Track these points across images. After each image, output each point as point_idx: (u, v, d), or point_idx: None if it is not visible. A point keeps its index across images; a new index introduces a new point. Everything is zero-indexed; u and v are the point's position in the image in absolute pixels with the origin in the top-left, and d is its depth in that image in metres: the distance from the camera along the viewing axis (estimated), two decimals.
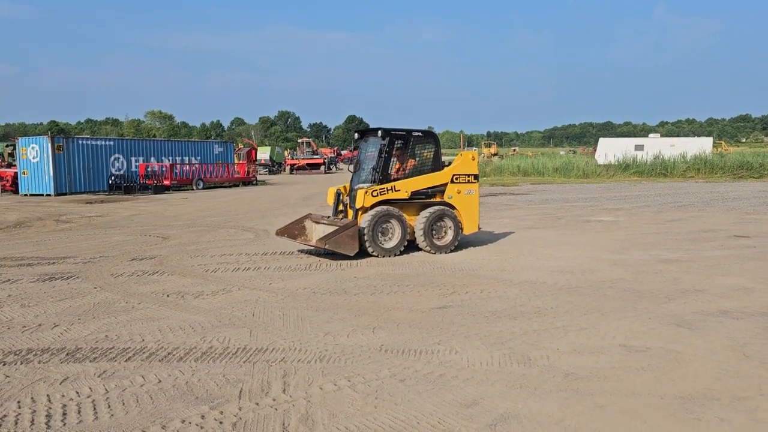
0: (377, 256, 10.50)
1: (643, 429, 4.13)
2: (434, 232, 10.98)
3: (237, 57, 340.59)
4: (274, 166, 52.89)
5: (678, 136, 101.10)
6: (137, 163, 31.35)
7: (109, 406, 4.54)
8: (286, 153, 60.14)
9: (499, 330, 6.34)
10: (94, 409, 4.51)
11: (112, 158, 30.53)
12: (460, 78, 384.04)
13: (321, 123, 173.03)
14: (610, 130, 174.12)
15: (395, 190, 10.83)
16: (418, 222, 10.89)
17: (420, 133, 11.41)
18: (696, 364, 5.35)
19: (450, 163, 11.67)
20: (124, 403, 4.59)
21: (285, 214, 18.42)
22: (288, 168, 51.31)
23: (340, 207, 11.39)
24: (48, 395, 4.77)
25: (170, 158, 33.01)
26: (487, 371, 5.20)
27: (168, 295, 8.03)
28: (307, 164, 50.01)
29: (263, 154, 53.80)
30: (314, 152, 54.44)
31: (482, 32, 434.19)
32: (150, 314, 7.12)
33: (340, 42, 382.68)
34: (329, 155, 60.35)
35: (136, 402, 4.62)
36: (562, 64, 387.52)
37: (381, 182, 10.84)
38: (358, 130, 12.05)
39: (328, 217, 11.44)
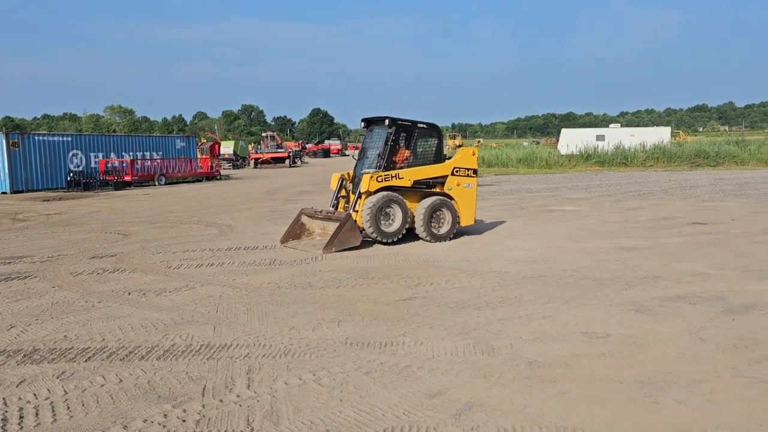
0: (378, 240, 10.77)
1: (603, 414, 4.21)
2: (432, 221, 11.27)
3: (199, 50, 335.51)
4: (238, 160, 52.22)
5: (638, 126, 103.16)
6: (97, 159, 30.64)
7: (68, 408, 4.44)
8: (250, 147, 59.36)
9: (463, 320, 6.39)
10: (53, 411, 4.40)
11: (71, 154, 29.78)
12: (424, 70, 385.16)
13: (285, 116, 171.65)
14: (572, 120, 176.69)
15: (399, 178, 11.11)
16: (418, 210, 11.17)
17: (424, 125, 11.71)
18: (654, 348, 5.47)
19: (451, 157, 11.99)
20: (83, 404, 4.49)
21: (250, 208, 18.24)
22: (252, 162, 50.75)
23: (342, 192, 11.64)
24: (3, 398, 4.64)
25: (131, 154, 32.35)
26: (452, 361, 5.24)
27: (129, 293, 7.88)
28: (272, 158, 49.50)
29: (227, 148, 53.09)
30: (279, 146, 53.92)
31: (444, 23, 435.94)
32: (110, 313, 6.98)
33: (303, 35, 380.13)
34: (294, 149, 59.98)
35: (96, 403, 4.52)
36: (524, 55, 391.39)
37: (386, 169, 11.11)
38: (364, 119, 12.12)
39: (320, 211, 11.54)
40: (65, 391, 4.75)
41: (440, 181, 11.60)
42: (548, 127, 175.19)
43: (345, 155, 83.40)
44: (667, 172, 32.37)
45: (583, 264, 9.10)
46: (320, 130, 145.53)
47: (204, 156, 40.03)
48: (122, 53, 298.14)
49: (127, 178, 29.40)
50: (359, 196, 11.00)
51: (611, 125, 68.21)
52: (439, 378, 4.87)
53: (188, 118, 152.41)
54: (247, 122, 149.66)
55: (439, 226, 11.37)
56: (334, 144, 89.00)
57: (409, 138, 11.55)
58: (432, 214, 11.22)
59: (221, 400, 4.51)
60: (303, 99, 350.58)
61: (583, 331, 5.97)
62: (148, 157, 33.10)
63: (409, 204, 11.18)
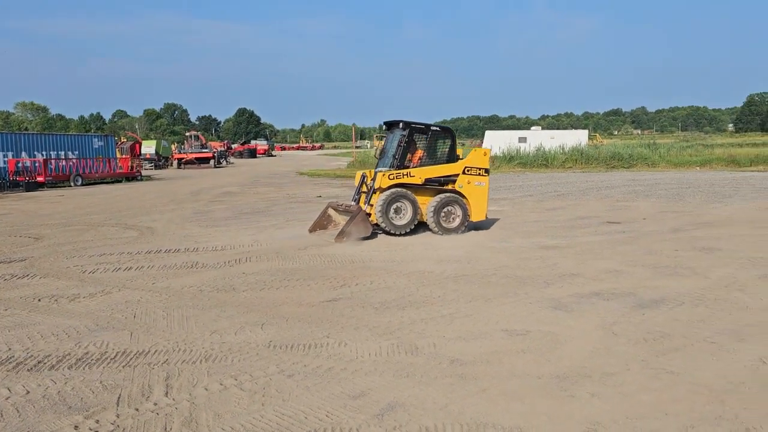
0: (389, 232, 11.67)
1: (522, 409, 4.32)
2: (444, 216, 12.08)
3: (117, 46, 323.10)
4: (161, 160, 50.63)
5: (557, 128, 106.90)
6: (6, 159, 28.99)
7: None
8: (173, 147, 57.58)
9: (387, 320, 6.43)
10: None
11: None
12: (352, 71, 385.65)
13: (210, 116, 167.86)
14: (496, 123, 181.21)
15: (410, 176, 12.01)
16: (429, 206, 12.03)
17: (438, 128, 12.61)
18: (571, 344, 5.67)
19: (464, 157, 12.75)
20: None
21: (172, 210, 17.72)
22: (175, 162, 49.31)
23: (363, 188, 12.37)
24: None
25: (44, 153, 30.81)
26: (376, 362, 5.25)
27: (39, 300, 7.49)
28: (196, 158, 48.26)
29: (148, 148, 51.38)
30: (203, 146, 52.61)
31: (372, 25, 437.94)
32: (18, 321, 6.60)
33: (228, 33, 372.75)
34: (219, 149, 58.64)
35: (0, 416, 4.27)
36: (450, 58, 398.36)
37: (398, 168, 12.03)
38: (385, 122, 13.23)
39: (343, 205, 12.60)
40: None
41: (452, 179, 12.33)
42: (473, 129, 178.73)
43: (272, 156, 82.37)
44: (584, 173, 33.67)
45: (504, 263, 9.33)
46: (246, 130, 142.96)
47: (124, 156, 38.62)
48: (34, 48, 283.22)
49: (40, 179, 27.98)
50: (374, 192, 11.91)
51: (533, 128, 70.47)
52: (363, 379, 4.87)
53: (107, 117, 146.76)
54: (170, 121, 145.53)
55: (450, 221, 12.15)
56: (260, 144, 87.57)
57: (423, 139, 12.47)
58: (442, 209, 12.02)
59: (137, 409, 4.35)
60: (228, 98, 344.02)
61: (504, 329, 6.12)
62: (63, 157, 31.60)
63: (422, 200, 12.12)
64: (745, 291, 7.44)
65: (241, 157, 71.79)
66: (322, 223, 12.58)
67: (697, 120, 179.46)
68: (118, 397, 4.56)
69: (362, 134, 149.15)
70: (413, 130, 12.29)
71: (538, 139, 48.31)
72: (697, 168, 34.43)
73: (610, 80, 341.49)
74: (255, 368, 5.12)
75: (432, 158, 12.46)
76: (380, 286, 7.93)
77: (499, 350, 5.51)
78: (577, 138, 48.77)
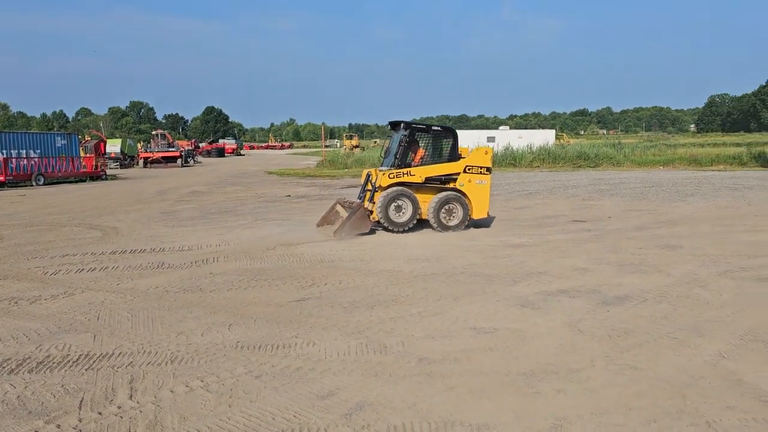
0: (389, 229, 11.99)
1: (489, 406, 4.36)
2: (444, 213, 12.38)
3: (81, 42, 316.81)
4: (126, 159, 49.72)
5: (525, 128, 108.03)
6: None
7: None
8: (139, 146, 56.58)
9: (356, 320, 6.42)
10: None
11: None
12: (321, 69, 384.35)
13: (177, 114, 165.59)
14: (465, 122, 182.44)
15: (410, 175, 12.31)
16: (430, 204, 12.34)
17: (439, 128, 12.90)
18: (537, 341, 5.74)
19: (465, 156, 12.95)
20: None
21: (138, 210, 17.42)
22: (141, 161, 48.49)
23: (369, 186, 12.55)
24: None
25: (4, 152, 29.97)
26: (344, 361, 5.24)
27: None
28: (163, 157, 47.48)
29: (113, 146, 50.39)
30: (170, 145, 51.74)
31: (341, 25, 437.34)
32: None
33: (195, 30, 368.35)
34: (186, 148, 57.83)
35: None
36: (420, 58, 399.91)
37: (399, 167, 12.34)
38: (390, 122, 13.61)
39: (349, 201, 13.06)
40: None
41: (453, 177, 12.55)
42: None
43: (241, 155, 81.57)
44: (552, 172, 34.09)
45: (473, 261, 9.39)
46: (214, 128, 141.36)
47: (88, 155, 37.82)
48: None
49: (0, 179, 27.26)
50: (376, 190, 12.24)
51: (501, 127, 71.12)
52: (331, 378, 4.86)
53: (70, 115, 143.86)
54: (136, 120, 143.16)
55: (451, 219, 12.42)
56: (229, 143, 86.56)
57: (425, 139, 12.78)
58: (442, 207, 12.31)
59: (100, 413, 4.27)
60: (196, 97, 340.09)
61: (472, 327, 6.17)
62: (25, 156, 30.82)
63: (424, 198, 12.41)
64: (706, 287, 7.61)
65: (209, 156, 70.94)
66: (329, 218, 12.94)
67: (661, 120, 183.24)
68: (81, 401, 4.47)
69: (332, 133, 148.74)
70: (414, 130, 12.65)
71: (507, 138, 48.76)
72: (661, 167, 35.14)
73: (576, 81, 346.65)
74: (222, 369, 5.07)
75: (433, 157, 12.75)
76: (349, 286, 7.91)
77: (467, 348, 5.54)
78: (545, 138, 49.42)
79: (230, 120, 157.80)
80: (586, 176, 29.67)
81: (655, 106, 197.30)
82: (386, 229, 12.17)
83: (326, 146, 73.50)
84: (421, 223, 12.53)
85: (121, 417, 4.21)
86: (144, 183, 30.16)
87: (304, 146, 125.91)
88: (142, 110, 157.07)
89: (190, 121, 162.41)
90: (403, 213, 12.17)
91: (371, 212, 12.17)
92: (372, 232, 12.02)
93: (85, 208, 18.03)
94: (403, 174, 12.28)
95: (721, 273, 8.38)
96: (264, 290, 7.76)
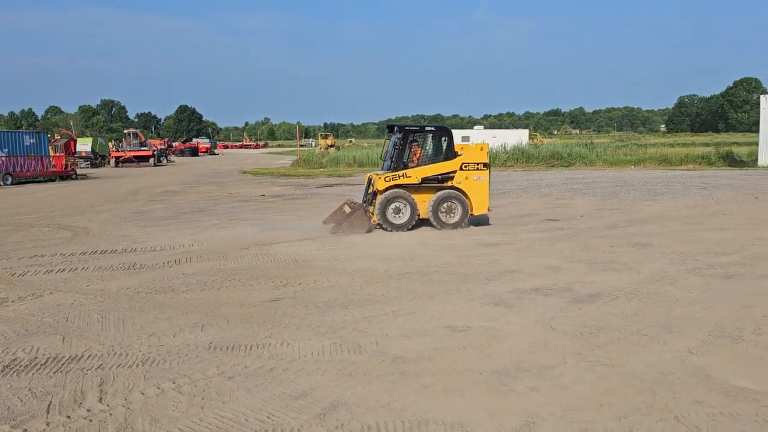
0: (388, 230, 12.15)
1: (462, 404, 4.38)
2: (444, 212, 12.51)
3: (51, 40, 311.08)
4: (97, 158, 48.90)
5: (499, 128, 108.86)
6: None
7: None
8: (110, 145, 55.66)
9: (330, 319, 6.40)
10: None
11: None
12: (296, 69, 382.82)
13: (150, 113, 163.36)
14: (440, 122, 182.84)
15: (406, 177, 12.48)
16: (428, 203, 12.49)
17: (433, 128, 13.06)
18: (511, 339, 5.78)
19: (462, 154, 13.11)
20: None
21: (109, 210, 17.16)
22: (113, 161, 47.76)
23: (371, 189, 12.81)
24: None
25: None
26: (318, 361, 5.22)
27: None
28: (135, 156, 46.82)
29: (84, 145, 49.48)
30: (142, 144, 51.08)
31: (315, 23, 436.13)
32: None
33: (168, 28, 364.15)
34: (159, 147, 57.07)
35: None
36: (394, 57, 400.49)
37: (395, 170, 12.52)
38: (388, 126, 13.80)
39: (355, 203, 13.30)
40: None
41: (450, 176, 12.66)
42: None
43: (215, 154, 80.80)
44: (525, 171, 34.38)
45: (447, 260, 9.43)
46: (188, 127, 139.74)
47: (58, 154, 37.09)
48: None
49: None
50: (375, 194, 12.48)
51: (475, 127, 71.53)
52: (305, 378, 4.84)
53: (39, 113, 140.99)
54: (107, 118, 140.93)
55: (451, 216, 12.57)
56: (202, 142, 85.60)
57: (420, 141, 13.00)
58: (440, 206, 12.46)
59: (69, 417, 4.19)
60: (169, 95, 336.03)
61: (446, 325, 6.19)
62: None
63: (423, 198, 12.57)
64: (675, 285, 7.75)
65: (183, 156, 70.14)
66: (336, 217, 13.17)
67: (632, 120, 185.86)
68: (49, 405, 4.39)
69: (307, 133, 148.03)
70: (407, 132, 12.84)
71: (481, 138, 49.03)
72: (632, 167, 35.65)
73: (549, 81, 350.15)
74: (194, 371, 5.02)
75: (429, 157, 12.88)
76: (323, 285, 7.89)
77: (441, 347, 5.56)
78: (519, 137, 49.79)
79: (204, 119, 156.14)
80: (559, 175, 29.99)
81: (627, 107, 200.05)
82: (387, 230, 12.28)
83: (301, 145, 73.11)
84: (424, 222, 12.68)
85: (90, 420, 4.14)
86: (116, 182, 29.72)
87: (279, 145, 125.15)
88: (114, 109, 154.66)
89: (163, 120, 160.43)
90: (402, 214, 12.38)
91: (372, 214, 12.44)
92: (369, 231, 12.17)
93: (55, 208, 17.71)
94: (399, 176, 12.43)
95: (690, 270, 8.54)
96: (237, 290, 7.70)
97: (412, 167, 12.65)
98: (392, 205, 12.31)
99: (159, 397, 4.51)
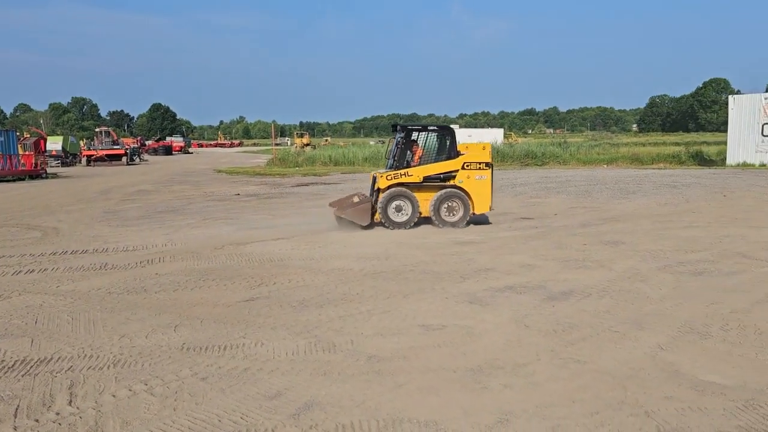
0: (389, 228, 12.34)
1: (437, 403, 4.39)
2: (445, 210, 12.64)
3: (19, 36, 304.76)
4: (68, 157, 48.10)
5: (475, 127, 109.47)
6: None
7: None
8: (81, 143, 54.75)
9: (305, 319, 6.38)
10: None
11: None
12: (271, 67, 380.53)
13: (123, 111, 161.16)
14: (415, 121, 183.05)
15: (408, 175, 12.62)
16: (430, 202, 12.64)
17: (435, 128, 13.37)
18: (485, 337, 5.82)
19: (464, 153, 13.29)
20: None
21: (80, 209, 16.88)
22: (84, 159, 46.99)
23: (376, 186, 12.92)
24: None
25: None
26: (293, 361, 5.20)
27: None
28: (107, 155, 46.11)
29: (54, 144, 48.61)
30: (115, 142, 50.33)
31: (290, 20, 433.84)
32: None
33: (140, 25, 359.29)
34: (132, 145, 56.31)
35: None
36: (371, 57, 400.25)
37: (397, 168, 12.70)
38: (393, 125, 13.93)
39: (366, 196, 13.24)
40: None
41: (452, 175, 12.79)
42: None
43: (189, 153, 79.97)
44: (500, 170, 34.59)
45: (422, 259, 9.45)
46: (161, 126, 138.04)
47: (27, 152, 36.39)
48: None
49: None
50: (378, 192, 12.64)
51: (451, 126, 71.72)
52: (279, 379, 4.81)
53: (8, 111, 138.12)
54: (78, 116, 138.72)
55: (452, 215, 12.67)
56: (176, 141, 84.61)
57: (421, 139, 13.22)
58: (441, 204, 12.58)
59: (37, 420, 4.12)
60: (142, 93, 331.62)
61: (421, 324, 6.20)
62: None
63: (425, 196, 12.72)
64: (646, 282, 7.87)
65: (156, 154, 69.29)
66: (343, 203, 13.27)
67: (605, 120, 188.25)
68: (16, 409, 4.30)
69: (282, 131, 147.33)
70: (410, 131, 13.07)
71: (457, 137, 49.26)
72: (605, 166, 36.11)
73: (524, 81, 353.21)
74: (167, 372, 4.96)
75: (431, 156, 13.08)
76: (298, 285, 7.86)
77: (416, 345, 5.58)
78: (494, 136, 50.24)
79: (178, 117, 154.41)
80: (533, 174, 30.25)
81: (600, 106, 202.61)
82: (389, 228, 12.42)
83: (277, 144, 72.70)
84: (427, 220, 12.83)
85: (59, 424, 4.07)
86: (87, 182, 29.25)
87: (255, 144, 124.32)
88: (85, 107, 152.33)
89: (136, 119, 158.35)
90: (404, 213, 12.55)
91: (375, 212, 12.62)
92: (370, 227, 12.42)
93: (24, 208, 17.37)
94: (401, 175, 12.60)
95: (661, 268, 8.67)
96: (212, 290, 7.63)
97: (415, 166, 12.83)
98: (394, 203, 12.49)
99: (130, 399, 4.45)
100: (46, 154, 42.93)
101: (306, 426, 4.04)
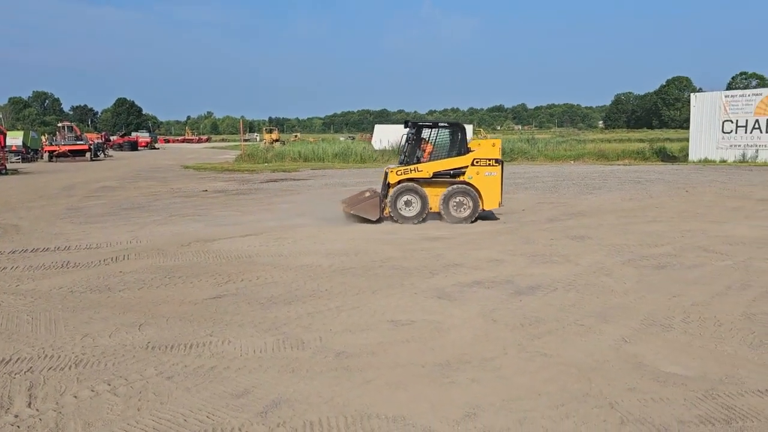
0: (399, 222, 12.59)
1: (405, 398, 4.40)
2: (454, 206, 12.81)
3: None
4: (29, 153, 46.92)
5: None
6: None
7: None
8: (43, 138, 53.49)
9: (274, 316, 6.33)
10: None
11: None
12: (239, 62, 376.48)
13: (86, 105, 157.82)
14: (385, 117, 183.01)
15: (417, 171, 12.84)
16: (440, 197, 12.84)
17: (446, 124, 13.41)
18: (453, 332, 5.85)
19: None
20: None
21: (42, 206, 16.48)
22: (46, 155, 45.92)
23: (387, 181, 13.06)
24: None
25: None
26: (261, 358, 5.16)
27: None
28: (70, 151, 45.13)
29: (14, 139, 47.32)
30: (78, 137, 49.29)
31: (259, 16, 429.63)
32: None
33: (105, 18, 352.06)
34: (96, 141, 55.19)
35: None
36: (339, 52, 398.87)
37: (408, 163, 12.96)
38: (405, 121, 13.97)
39: (376, 192, 13.54)
40: None
41: (462, 171, 12.92)
42: (363, 123, 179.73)
43: (155, 148, 78.77)
44: None
45: (391, 255, 9.46)
46: (127, 121, 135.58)
47: None
48: None
49: None
50: (388, 187, 12.85)
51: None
52: (247, 377, 4.77)
53: None
54: (39, 111, 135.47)
55: (461, 211, 12.82)
56: (142, 136, 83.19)
57: (432, 135, 13.28)
58: (450, 200, 12.77)
59: None
60: (106, 88, 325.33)
61: (390, 320, 6.21)
62: None
63: (435, 192, 12.91)
64: (611, 276, 8.00)
65: (121, 150, 68.03)
66: (353, 199, 13.59)
67: (572, 117, 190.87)
68: None
69: (251, 127, 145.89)
70: (421, 127, 13.28)
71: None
72: (572, 162, 36.62)
73: (492, 78, 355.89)
74: (131, 371, 4.87)
75: (441, 152, 13.18)
76: (267, 282, 7.79)
77: (385, 341, 5.58)
78: None
79: (144, 112, 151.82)
80: None
81: (567, 103, 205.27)
82: (398, 222, 12.64)
83: (245, 140, 71.96)
84: (436, 215, 12.96)
85: (18, 426, 3.97)
86: (49, 178, 28.58)
87: (223, 140, 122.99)
88: (47, 101, 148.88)
89: (100, 113, 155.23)
90: (413, 207, 12.74)
91: (385, 206, 12.87)
92: (379, 221, 12.69)
93: None
94: (411, 170, 12.82)
95: (625, 262, 8.83)
96: (178, 288, 7.52)
97: (425, 162, 12.99)
98: (403, 198, 12.71)
99: (93, 400, 4.36)
100: (6, 149, 41.80)
101: (273, 424, 4.01)
